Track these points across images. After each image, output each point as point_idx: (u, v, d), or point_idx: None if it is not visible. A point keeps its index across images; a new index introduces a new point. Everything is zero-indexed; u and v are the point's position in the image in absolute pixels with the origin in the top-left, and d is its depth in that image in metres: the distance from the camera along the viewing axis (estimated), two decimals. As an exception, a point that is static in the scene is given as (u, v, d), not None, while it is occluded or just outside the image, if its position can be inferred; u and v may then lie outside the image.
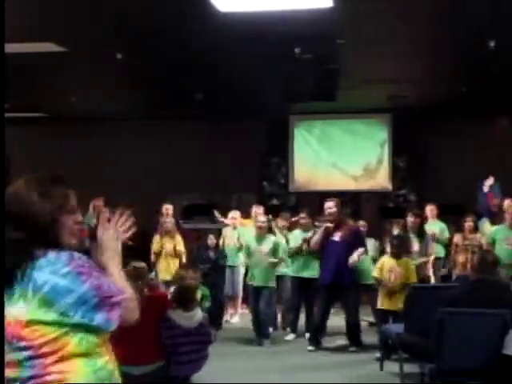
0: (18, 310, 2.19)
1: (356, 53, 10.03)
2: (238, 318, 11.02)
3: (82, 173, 15.90)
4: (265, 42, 9.14)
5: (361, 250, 8.80)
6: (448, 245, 10.79)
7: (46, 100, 14.00)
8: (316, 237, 8.93)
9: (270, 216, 9.98)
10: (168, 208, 11.62)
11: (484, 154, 14.55)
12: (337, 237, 8.83)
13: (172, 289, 8.10)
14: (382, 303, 8.41)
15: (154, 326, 5.63)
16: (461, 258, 10.06)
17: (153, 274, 9.02)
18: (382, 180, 16.13)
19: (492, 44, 9.05)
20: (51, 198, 2.36)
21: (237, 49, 9.55)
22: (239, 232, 10.47)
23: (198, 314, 5.73)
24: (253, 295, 9.37)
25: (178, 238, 10.54)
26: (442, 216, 11.27)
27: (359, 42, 9.43)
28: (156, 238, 10.63)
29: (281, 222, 10.27)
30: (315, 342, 8.91)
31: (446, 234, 10.91)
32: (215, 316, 9.35)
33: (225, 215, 11.52)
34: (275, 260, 9.25)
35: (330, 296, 8.89)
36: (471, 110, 14.21)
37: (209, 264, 10.07)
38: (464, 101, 13.53)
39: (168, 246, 10.41)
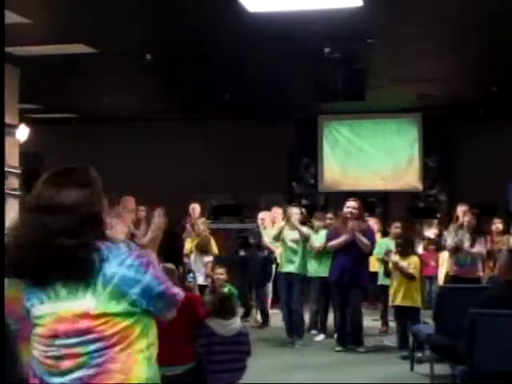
0: (87, 303, 2.20)
1: (385, 52, 9.97)
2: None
3: (111, 173, 16.02)
4: (293, 42, 9.13)
5: (367, 241, 8.74)
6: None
7: (77, 101, 14.11)
8: (336, 241, 8.86)
9: (304, 209, 9.94)
10: (195, 207, 11.64)
11: (515, 154, 14.41)
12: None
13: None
14: (391, 300, 8.47)
15: (186, 327, 5.64)
16: (490, 261, 9.98)
17: (191, 275, 9.04)
18: (412, 180, 16.02)
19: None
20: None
21: (265, 49, 9.55)
22: (268, 232, 10.44)
23: (237, 323, 5.64)
24: (284, 288, 9.33)
25: (210, 239, 10.49)
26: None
27: (389, 41, 9.39)
28: (188, 240, 10.63)
29: (316, 223, 10.17)
30: (341, 341, 8.84)
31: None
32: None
33: (254, 215, 11.49)
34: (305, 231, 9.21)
35: (344, 296, 8.83)
36: (502, 109, 14.06)
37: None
38: (494, 100, 13.39)
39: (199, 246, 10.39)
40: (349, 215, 8.83)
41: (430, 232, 12.29)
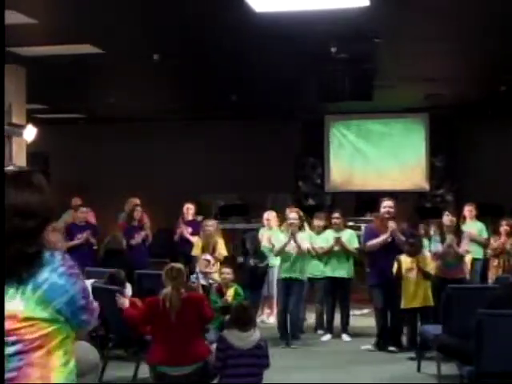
0: (15, 305, 2.22)
1: (392, 52, 9.96)
2: (274, 318, 10.99)
3: (118, 172, 16.07)
4: (300, 42, 9.12)
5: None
6: (486, 246, 10.63)
7: (84, 101, 14.15)
8: (377, 241, 8.75)
9: (302, 213, 9.90)
10: (189, 207, 11.66)
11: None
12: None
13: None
14: (405, 302, 8.34)
15: (192, 327, 5.64)
16: (495, 261, 9.96)
17: (194, 276, 9.03)
18: (419, 180, 16.00)
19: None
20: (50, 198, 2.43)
21: (272, 49, 9.55)
22: (273, 233, 10.43)
23: (255, 335, 5.46)
24: (282, 291, 9.32)
25: (220, 241, 10.43)
26: (480, 216, 11.12)
27: (396, 40, 9.37)
28: (197, 242, 10.62)
29: (317, 222, 10.19)
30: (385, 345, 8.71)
31: (484, 235, 10.74)
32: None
33: (260, 215, 11.48)
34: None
35: (386, 296, 8.66)
36: (510, 108, 14.02)
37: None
38: (502, 100, 13.36)
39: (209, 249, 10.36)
40: (386, 215, 8.76)
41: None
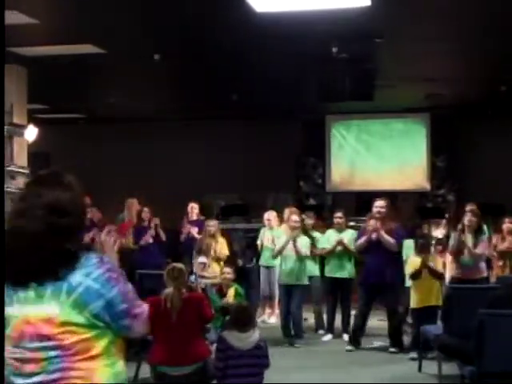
0: (51, 309, 2.21)
1: (393, 52, 9.96)
2: (275, 318, 11.00)
3: (118, 172, 16.07)
4: (301, 42, 9.12)
5: (392, 240, 8.67)
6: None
7: (84, 101, 14.15)
8: (363, 239, 8.83)
9: (304, 216, 9.91)
10: (194, 206, 11.65)
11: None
12: (373, 236, 8.74)
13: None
14: (416, 302, 8.30)
15: (192, 327, 5.63)
16: (498, 261, 9.94)
17: (193, 277, 9.03)
18: (420, 180, 15.99)
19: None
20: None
21: (273, 49, 9.55)
22: (274, 233, 10.43)
23: (255, 336, 5.43)
24: (284, 295, 9.35)
25: (222, 241, 10.43)
26: (481, 216, 11.08)
27: (396, 40, 9.37)
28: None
29: (306, 221, 10.14)
30: (355, 342, 8.85)
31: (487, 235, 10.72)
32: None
33: (261, 215, 11.47)
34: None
35: (370, 296, 8.83)
36: (510, 108, 14.01)
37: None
38: (503, 99, 13.35)
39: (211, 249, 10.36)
40: (377, 215, 8.79)
41: (438, 232, 12.25)
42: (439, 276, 8.27)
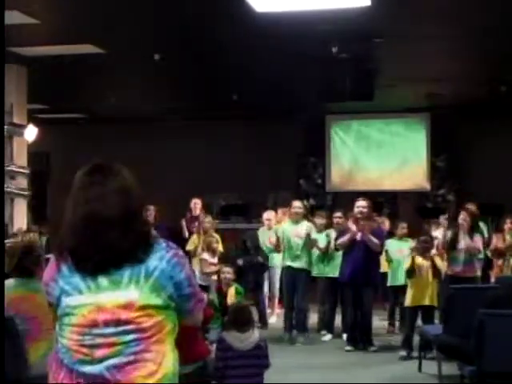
0: (130, 294, 2.25)
1: (393, 52, 9.96)
2: (275, 317, 11.00)
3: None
4: (301, 42, 9.13)
5: (376, 241, 8.73)
6: (488, 245, 10.61)
7: (84, 101, 14.15)
8: (344, 238, 8.86)
9: (306, 202, 9.94)
10: (196, 202, 11.67)
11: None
12: (358, 236, 8.79)
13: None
14: (411, 300, 8.29)
15: (192, 326, 5.62)
16: (498, 260, 9.93)
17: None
18: (420, 180, 15.99)
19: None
20: None
21: (273, 49, 9.55)
22: (275, 230, 10.42)
23: (254, 336, 5.39)
24: (288, 285, 9.36)
25: (216, 238, 10.45)
26: (481, 216, 11.08)
27: (396, 40, 9.37)
28: (193, 238, 10.62)
29: (318, 221, 10.16)
30: (352, 341, 8.85)
31: (486, 234, 10.72)
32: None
33: (261, 215, 11.47)
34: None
35: (355, 295, 8.83)
36: (510, 108, 14.00)
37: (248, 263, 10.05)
38: (503, 99, 13.35)
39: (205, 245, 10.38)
40: (359, 215, 8.83)
41: (438, 232, 12.24)
42: (439, 275, 8.26)
